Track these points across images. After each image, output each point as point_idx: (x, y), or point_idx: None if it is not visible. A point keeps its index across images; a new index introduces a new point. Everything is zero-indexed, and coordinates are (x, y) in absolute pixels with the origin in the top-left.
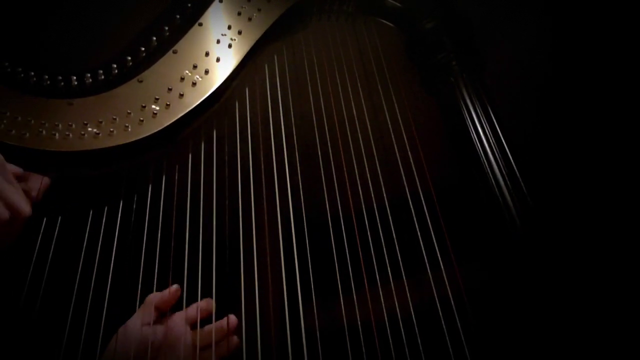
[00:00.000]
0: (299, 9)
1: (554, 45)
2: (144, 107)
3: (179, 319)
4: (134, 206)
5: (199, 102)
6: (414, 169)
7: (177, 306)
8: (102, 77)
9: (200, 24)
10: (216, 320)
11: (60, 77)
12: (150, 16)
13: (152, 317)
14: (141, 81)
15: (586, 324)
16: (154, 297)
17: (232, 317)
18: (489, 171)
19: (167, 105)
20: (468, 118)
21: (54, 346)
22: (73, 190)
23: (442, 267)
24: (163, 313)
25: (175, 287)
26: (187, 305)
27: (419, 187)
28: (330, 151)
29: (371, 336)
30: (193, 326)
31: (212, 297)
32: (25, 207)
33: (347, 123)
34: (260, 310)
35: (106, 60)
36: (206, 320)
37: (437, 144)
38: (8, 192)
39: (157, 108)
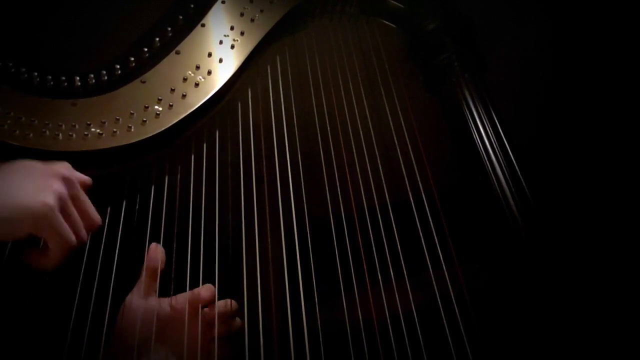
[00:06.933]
0: (302, 10)
1: (556, 45)
2: (147, 107)
3: (182, 299)
4: (137, 207)
5: (201, 102)
6: (415, 168)
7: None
8: (105, 77)
9: (203, 25)
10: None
11: (63, 78)
12: (153, 17)
13: (152, 286)
14: (144, 82)
15: (588, 324)
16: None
17: (233, 302)
18: (491, 171)
19: (170, 105)
20: (470, 118)
21: (56, 346)
22: None
23: (444, 266)
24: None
25: (153, 245)
26: None
27: (421, 187)
28: (332, 151)
29: (373, 335)
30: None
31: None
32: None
33: (349, 123)
34: (263, 309)
35: (109, 60)
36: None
37: (439, 144)
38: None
39: (160, 109)
